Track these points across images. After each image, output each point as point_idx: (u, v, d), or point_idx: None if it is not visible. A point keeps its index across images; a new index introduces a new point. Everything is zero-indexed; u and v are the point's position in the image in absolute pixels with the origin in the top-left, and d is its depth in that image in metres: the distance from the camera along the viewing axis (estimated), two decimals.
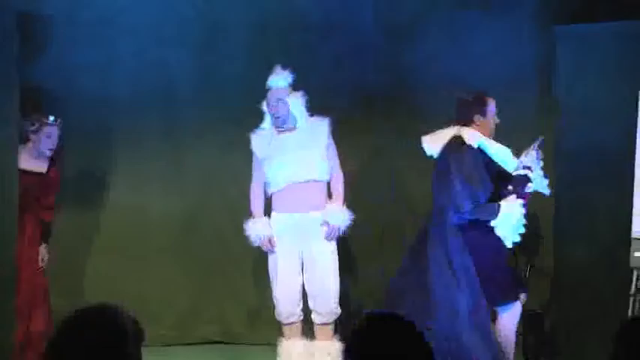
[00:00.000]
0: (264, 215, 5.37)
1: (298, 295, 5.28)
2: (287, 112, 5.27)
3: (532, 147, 4.88)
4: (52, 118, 5.56)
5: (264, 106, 5.37)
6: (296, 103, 5.29)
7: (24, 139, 5.56)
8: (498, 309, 4.79)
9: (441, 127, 5.49)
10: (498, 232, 4.67)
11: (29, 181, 5.50)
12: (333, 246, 5.29)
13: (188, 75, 6.53)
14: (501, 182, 4.75)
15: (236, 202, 6.28)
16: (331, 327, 5.28)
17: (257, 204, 5.38)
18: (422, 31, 6.43)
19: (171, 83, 6.52)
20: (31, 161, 5.56)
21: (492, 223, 4.67)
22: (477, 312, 4.62)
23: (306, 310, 5.32)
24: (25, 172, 5.49)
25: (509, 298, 4.76)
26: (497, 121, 4.92)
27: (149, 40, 6.49)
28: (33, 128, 5.52)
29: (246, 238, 5.93)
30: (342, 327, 5.26)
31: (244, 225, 5.58)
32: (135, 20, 6.45)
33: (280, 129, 5.31)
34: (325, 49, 6.19)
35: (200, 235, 6.62)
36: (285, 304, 5.28)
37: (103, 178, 6.50)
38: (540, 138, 4.93)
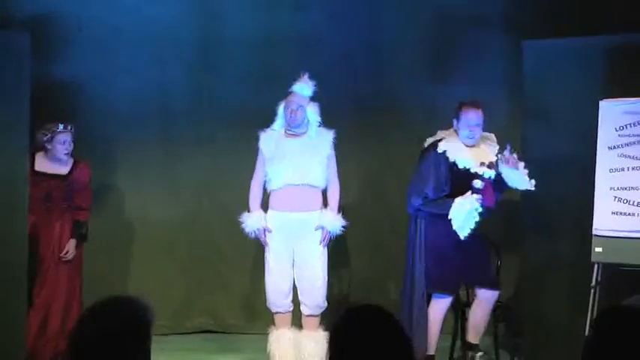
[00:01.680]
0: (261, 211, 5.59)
1: (287, 289, 5.53)
2: (303, 118, 5.55)
3: (507, 150, 5.28)
4: (61, 125, 5.81)
5: (281, 108, 5.58)
6: (312, 112, 5.57)
7: (40, 148, 5.83)
8: (433, 295, 5.32)
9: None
10: (453, 224, 5.14)
11: (53, 183, 5.76)
12: (323, 246, 5.57)
13: (183, 90, 6.79)
14: (467, 181, 5.21)
15: (226, 205, 6.57)
16: (318, 318, 5.55)
17: (254, 199, 5.62)
18: (401, 47, 6.73)
19: (167, 98, 6.79)
20: (52, 165, 5.81)
21: (449, 217, 5.16)
22: (414, 291, 5.28)
23: (296, 302, 5.58)
24: (47, 175, 5.77)
25: (432, 287, 5.33)
26: (472, 130, 5.29)
27: (148, 56, 6.74)
28: (46, 138, 5.79)
29: (235, 238, 6.32)
30: (327, 318, 5.49)
31: (234, 226, 5.91)
32: (135, 37, 6.71)
33: (290, 132, 5.58)
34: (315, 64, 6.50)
35: (193, 235, 6.86)
36: (275, 296, 5.53)
37: (106, 182, 6.70)
38: (509, 145, 5.34)
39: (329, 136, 5.61)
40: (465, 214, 5.20)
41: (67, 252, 5.77)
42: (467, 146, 5.42)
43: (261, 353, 5.67)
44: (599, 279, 5.33)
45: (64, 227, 5.80)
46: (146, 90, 6.81)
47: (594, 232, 5.32)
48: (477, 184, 5.23)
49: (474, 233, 5.30)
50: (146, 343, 2.25)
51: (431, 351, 5.45)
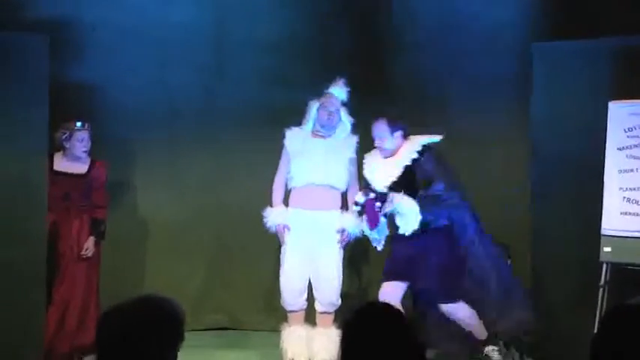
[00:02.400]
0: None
1: (302, 286, 5.60)
2: (337, 121, 5.64)
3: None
4: (79, 123, 5.91)
5: (313, 107, 5.65)
6: (345, 116, 5.68)
7: (59, 148, 5.93)
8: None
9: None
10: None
11: (71, 182, 5.87)
12: (339, 245, 5.64)
13: (193, 91, 6.88)
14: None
15: (237, 203, 6.69)
16: (332, 315, 5.62)
17: (277, 195, 5.70)
18: (412, 43, 6.77)
19: (177, 98, 6.88)
20: (70, 164, 5.92)
21: None
22: None
23: (310, 299, 5.66)
24: (66, 174, 5.88)
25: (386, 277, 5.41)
26: (377, 143, 5.41)
27: (159, 58, 6.84)
28: (65, 136, 5.89)
29: (248, 236, 6.40)
30: (340, 315, 5.57)
31: (246, 223, 6.00)
32: (148, 39, 6.80)
33: (318, 133, 5.66)
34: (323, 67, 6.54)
35: (206, 233, 6.94)
36: (290, 294, 5.61)
37: (120, 181, 6.76)
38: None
39: (353, 140, 5.71)
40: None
41: (86, 249, 5.86)
42: (384, 157, 5.47)
43: (274, 349, 5.74)
44: (607, 278, 5.38)
45: (83, 225, 5.90)
46: (157, 91, 6.90)
47: (603, 231, 5.37)
48: (356, 207, 5.39)
49: (411, 246, 5.30)
50: (177, 346, 2.30)
51: None
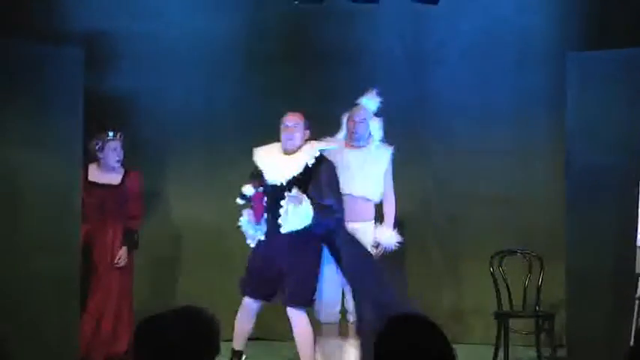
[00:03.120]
0: None
1: (337, 299, 5.61)
2: (365, 131, 5.66)
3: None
4: (111, 133, 5.99)
5: (344, 119, 5.70)
6: (375, 126, 5.68)
7: (94, 159, 6.01)
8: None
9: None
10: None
11: (106, 193, 5.95)
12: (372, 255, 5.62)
13: (228, 100, 6.94)
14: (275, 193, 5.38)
15: None
16: None
17: None
18: (443, 57, 6.79)
19: (213, 108, 6.92)
20: (104, 175, 6.00)
21: None
22: None
23: (343, 310, 5.66)
24: (100, 185, 5.96)
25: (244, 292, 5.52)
26: (287, 134, 5.42)
27: (194, 69, 6.90)
28: (98, 146, 5.97)
29: None
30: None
31: None
32: (182, 50, 6.89)
33: (352, 145, 5.69)
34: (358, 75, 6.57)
35: (238, 242, 7.03)
36: (325, 306, 5.60)
37: (155, 191, 6.83)
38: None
39: (388, 151, 5.72)
40: (244, 224, 5.45)
41: (118, 258, 5.92)
42: (285, 154, 5.48)
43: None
44: None
45: (116, 235, 5.98)
46: (192, 101, 6.97)
47: (639, 243, 5.30)
48: (238, 202, 5.44)
49: (277, 244, 5.35)
50: (213, 358, 2.31)
51: (236, 346, 5.59)
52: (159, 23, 6.89)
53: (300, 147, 5.46)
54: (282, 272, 5.40)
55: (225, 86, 7.00)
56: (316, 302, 5.65)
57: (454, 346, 2.23)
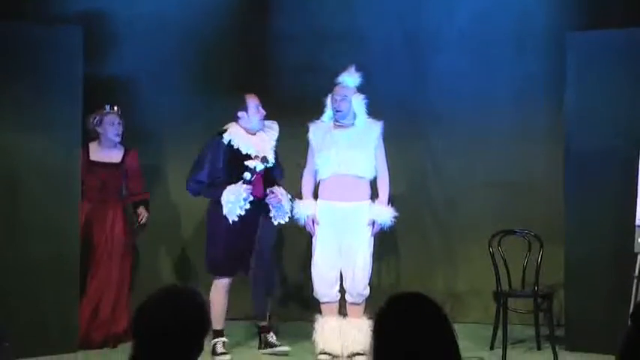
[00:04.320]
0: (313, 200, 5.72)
1: (334, 278, 5.63)
2: (348, 109, 5.65)
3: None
4: (107, 107, 5.98)
5: (328, 100, 5.72)
6: (358, 103, 5.68)
7: (93, 137, 6.00)
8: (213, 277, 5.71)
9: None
10: (223, 209, 5.49)
11: (108, 172, 5.97)
12: (369, 235, 5.65)
13: (226, 84, 6.87)
14: (243, 169, 5.59)
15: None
16: (362, 306, 5.65)
17: (306, 188, 5.75)
18: (442, 41, 6.76)
19: (212, 92, 6.88)
20: (105, 154, 6.01)
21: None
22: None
23: (342, 291, 5.67)
24: (102, 164, 5.97)
25: (213, 271, 5.68)
26: (262, 112, 5.71)
27: (194, 49, 6.87)
28: (96, 121, 5.96)
29: (283, 226, 6.42)
30: (372, 307, 5.55)
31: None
32: (182, 30, 6.86)
33: (338, 124, 5.68)
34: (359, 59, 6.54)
35: None
36: (322, 285, 5.64)
37: (155, 174, 6.82)
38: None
39: (377, 127, 5.71)
40: (232, 201, 5.54)
41: (141, 218, 6.02)
42: (250, 134, 5.74)
43: (305, 340, 5.80)
44: None
45: (116, 218, 6.01)
46: (193, 82, 6.94)
47: (637, 222, 5.33)
48: (247, 176, 5.58)
49: (251, 221, 5.63)
50: (205, 334, 2.35)
51: (218, 326, 5.70)
52: (157, 1, 6.84)
53: None
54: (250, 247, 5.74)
55: (224, 66, 6.96)
56: (314, 282, 5.69)
57: (453, 324, 2.23)
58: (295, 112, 6.27)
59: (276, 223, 5.79)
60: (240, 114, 5.75)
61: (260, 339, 5.95)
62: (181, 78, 6.97)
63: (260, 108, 5.78)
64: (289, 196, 5.79)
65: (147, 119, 6.83)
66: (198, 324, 2.31)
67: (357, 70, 5.71)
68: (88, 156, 5.97)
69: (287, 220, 5.79)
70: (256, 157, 5.65)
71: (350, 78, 5.69)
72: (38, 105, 5.61)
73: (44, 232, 5.59)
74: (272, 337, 5.93)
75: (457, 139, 6.78)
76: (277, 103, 6.51)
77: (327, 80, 5.81)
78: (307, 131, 5.77)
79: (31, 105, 5.59)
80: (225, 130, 5.76)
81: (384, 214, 5.64)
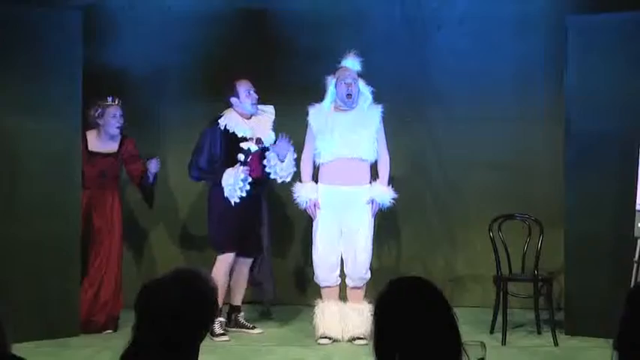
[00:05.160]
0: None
1: (335, 262, 5.65)
2: (356, 93, 5.64)
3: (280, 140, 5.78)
4: (110, 98, 5.98)
5: (331, 83, 5.68)
6: (364, 87, 5.68)
7: (92, 126, 5.99)
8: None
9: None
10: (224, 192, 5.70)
11: (106, 162, 5.98)
12: (370, 218, 5.66)
13: (225, 68, 6.79)
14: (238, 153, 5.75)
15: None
16: (362, 290, 5.66)
17: (306, 171, 5.77)
18: (443, 22, 6.74)
19: (214, 74, 6.79)
20: (104, 144, 6.00)
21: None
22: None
23: (343, 275, 5.69)
24: (100, 154, 5.97)
25: (216, 248, 5.85)
26: (255, 96, 5.81)
27: (194, 34, 6.83)
28: (98, 112, 5.96)
29: (283, 210, 6.43)
30: (373, 291, 5.55)
31: (280, 198, 5.97)
32: (183, 15, 6.82)
33: (340, 107, 5.67)
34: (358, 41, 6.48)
35: None
36: (323, 269, 5.66)
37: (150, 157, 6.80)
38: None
39: (377, 110, 5.70)
40: (231, 183, 5.69)
41: (147, 170, 6.04)
42: (245, 118, 5.86)
43: (307, 324, 5.81)
44: None
45: (114, 203, 6.03)
46: (194, 67, 6.91)
47: (637, 207, 5.33)
48: (241, 157, 5.75)
49: (252, 201, 5.78)
50: (212, 319, 2.35)
51: (236, 302, 6.00)
52: None
53: None
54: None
55: (223, 51, 6.93)
56: (315, 267, 5.70)
57: (453, 308, 2.23)
58: (297, 96, 6.25)
59: (280, 181, 5.88)
60: (232, 100, 5.85)
61: (229, 318, 5.96)
62: (181, 64, 6.92)
63: (252, 92, 5.86)
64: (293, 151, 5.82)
65: (145, 105, 6.80)
66: (207, 307, 2.30)
67: (358, 52, 5.70)
68: (86, 146, 5.96)
69: (289, 179, 5.86)
70: (251, 138, 5.75)
71: (354, 61, 5.68)
72: (38, 88, 5.60)
73: (45, 213, 5.59)
74: (242, 318, 6.00)
75: (458, 121, 6.76)
76: (280, 87, 6.52)
77: (328, 64, 5.78)
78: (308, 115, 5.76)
79: (31, 88, 5.58)
80: (221, 116, 5.85)
81: (384, 194, 5.65)
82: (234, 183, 5.68)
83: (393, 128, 6.08)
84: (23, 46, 5.55)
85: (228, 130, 5.80)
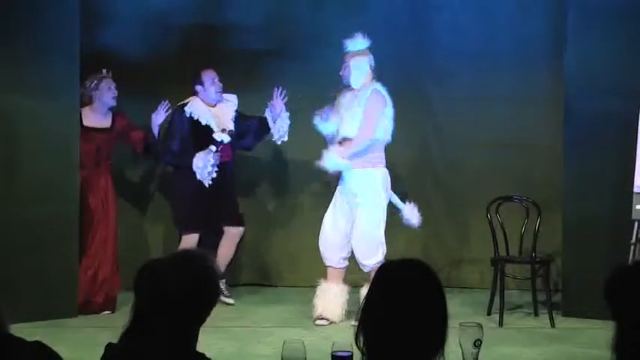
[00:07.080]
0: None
1: (339, 242, 5.62)
2: (348, 74, 5.63)
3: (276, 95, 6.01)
4: (104, 70, 6.00)
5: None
6: (362, 64, 5.61)
7: (86, 102, 5.97)
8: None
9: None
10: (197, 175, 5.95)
11: (101, 138, 5.98)
12: (380, 201, 5.57)
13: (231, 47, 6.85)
14: (207, 138, 5.99)
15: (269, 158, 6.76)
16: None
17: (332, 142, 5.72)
18: (444, 2, 6.72)
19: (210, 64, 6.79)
20: (98, 119, 6.00)
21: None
22: None
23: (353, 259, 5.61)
24: (95, 130, 5.96)
25: (181, 229, 6.13)
26: (219, 85, 6.08)
27: (193, 16, 6.81)
28: (93, 85, 5.94)
29: (282, 194, 6.43)
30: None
31: (281, 182, 5.92)
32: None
33: (346, 88, 5.69)
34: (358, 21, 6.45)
35: None
36: (327, 248, 5.66)
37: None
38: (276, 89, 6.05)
39: (367, 90, 5.61)
40: (201, 167, 5.94)
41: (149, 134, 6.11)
42: (210, 106, 6.11)
43: (306, 305, 5.82)
44: (639, 236, 5.41)
45: (107, 183, 6.06)
46: (193, 48, 6.88)
47: (636, 189, 5.36)
48: (213, 149, 5.99)
49: (223, 180, 6.02)
50: (214, 300, 2.31)
51: None
52: None
53: None
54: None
55: (221, 39, 6.89)
56: (321, 246, 5.70)
57: (451, 289, 2.21)
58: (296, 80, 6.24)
59: (279, 142, 6.14)
60: (197, 88, 6.10)
61: None
62: (182, 43, 6.89)
63: (216, 81, 6.11)
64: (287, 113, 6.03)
65: (142, 84, 6.72)
66: (208, 287, 2.28)
67: (359, 32, 5.68)
68: (81, 122, 5.95)
69: (286, 139, 6.06)
70: (223, 130, 6.02)
71: (356, 43, 5.66)
72: (37, 68, 5.58)
73: (44, 193, 5.59)
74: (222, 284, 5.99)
75: (458, 101, 6.73)
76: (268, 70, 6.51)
77: (331, 47, 5.77)
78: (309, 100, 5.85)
79: (29, 68, 5.56)
80: (186, 103, 6.09)
81: (330, 158, 5.55)
82: (203, 167, 5.92)
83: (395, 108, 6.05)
84: (21, 26, 5.53)
85: (193, 117, 6.06)
